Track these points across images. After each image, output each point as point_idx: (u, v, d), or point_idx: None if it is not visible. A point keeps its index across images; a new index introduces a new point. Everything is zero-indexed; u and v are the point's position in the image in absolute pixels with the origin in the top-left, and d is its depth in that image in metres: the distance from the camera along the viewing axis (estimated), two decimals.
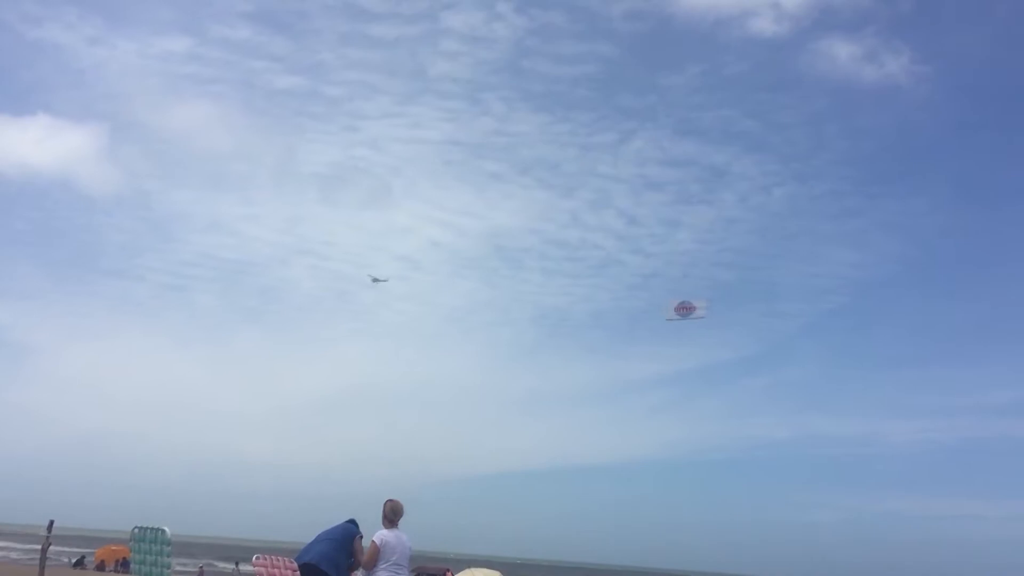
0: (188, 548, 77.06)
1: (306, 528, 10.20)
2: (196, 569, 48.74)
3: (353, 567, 9.85)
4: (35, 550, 28.81)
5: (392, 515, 9.61)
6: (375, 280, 55.02)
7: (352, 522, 10.18)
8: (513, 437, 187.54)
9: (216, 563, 68.49)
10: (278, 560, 11.11)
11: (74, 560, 46.06)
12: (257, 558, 11.05)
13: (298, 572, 10.23)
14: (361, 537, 9.89)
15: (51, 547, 20.69)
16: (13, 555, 52.22)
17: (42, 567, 19.64)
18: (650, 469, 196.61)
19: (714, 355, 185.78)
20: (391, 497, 9.77)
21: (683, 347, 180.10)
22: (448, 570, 37.74)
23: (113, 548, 42.60)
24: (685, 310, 21.20)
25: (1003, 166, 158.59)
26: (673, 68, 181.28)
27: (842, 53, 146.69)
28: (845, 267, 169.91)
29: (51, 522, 20.81)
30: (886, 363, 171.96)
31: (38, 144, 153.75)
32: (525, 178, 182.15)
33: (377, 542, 9.38)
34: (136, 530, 9.16)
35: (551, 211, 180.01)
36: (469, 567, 34.26)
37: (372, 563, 9.41)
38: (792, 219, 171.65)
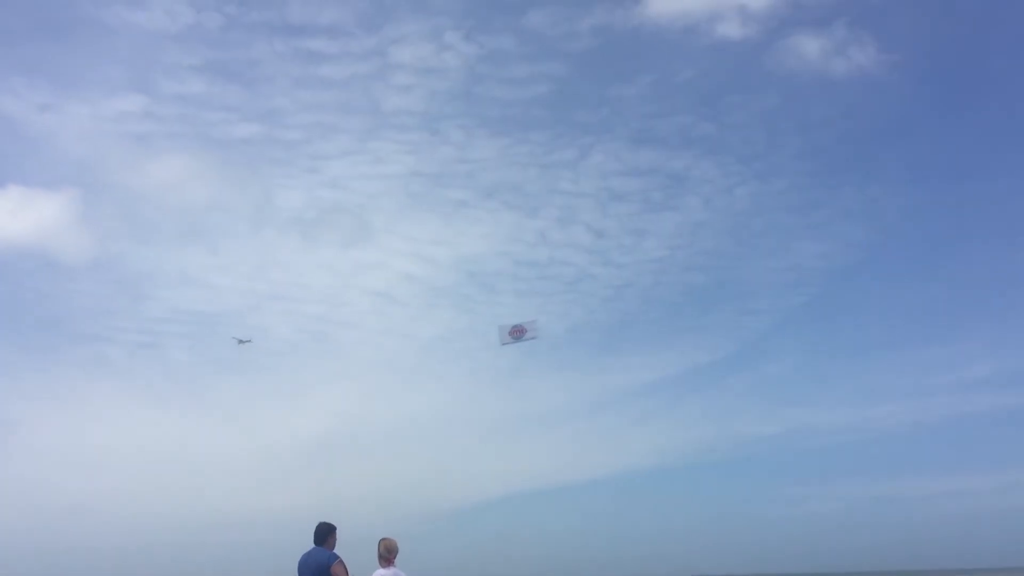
0: None
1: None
2: None
3: None
4: None
5: (387, 553, 9.63)
6: (240, 342, 53.26)
7: (326, 529, 10.09)
8: (503, 461, 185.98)
9: None
10: None
11: None
12: None
13: None
14: (339, 561, 9.79)
15: None
16: None
17: None
18: (641, 478, 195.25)
19: (694, 358, 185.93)
20: (385, 536, 9.78)
21: (663, 354, 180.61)
22: None
23: None
24: (519, 332, 21.86)
25: (960, 144, 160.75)
26: (624, 80, 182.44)
27: (810, 48, 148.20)
28: (812, 259, 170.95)
29: None
30: (862, 349, 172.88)
31: (12, 215, 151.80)
32: (490, 202, 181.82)
33: None
34: None
35: (519, 232, 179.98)
36: None
37: None
38: (757, 217, 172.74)
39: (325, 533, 9.94)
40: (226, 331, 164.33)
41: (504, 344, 21.56)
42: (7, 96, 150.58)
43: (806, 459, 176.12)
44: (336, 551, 10.04)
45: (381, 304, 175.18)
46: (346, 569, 9.57)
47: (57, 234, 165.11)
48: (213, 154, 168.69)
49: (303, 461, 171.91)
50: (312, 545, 9.98)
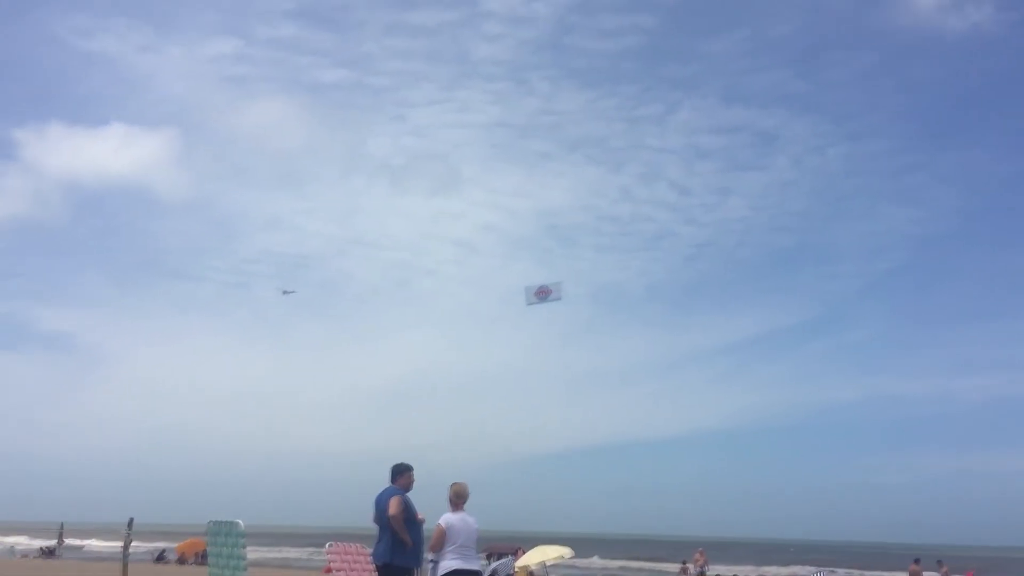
0: (262, 539, 78.74)
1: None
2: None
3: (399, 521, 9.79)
4: (117, 547, 29.75)
5: (456, 499, 9.74)
6: (285, 292, 55.42)
7: (398, 468, 10.19)
8: (575, 415, 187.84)
9: (292, 550, 69.99)
10: (350, 547, 11.33)
11: (156, 555, 47.44)
12: (330, 545, 11.29)
13: (371, 559, 10.44)
14: (397, 497, 9.93)
15: (132, 543, 21.35)
16: (97, 552, 54.04)
17: (125, 563, 20.29)
18: (714, 439, 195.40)
19: (774, 321, 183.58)
20: (456, 480, 9.89)
21: (742, 316, 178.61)
22: (519, 548, 38.06)
23: (193, 541, 43.71)
24: (544, 293, 21.74)
25: None
26: (717, 34, 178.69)
27: (924, 3, 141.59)
28: (904, 224, 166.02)
29: (131, 519, 21.49)
30: (952, 319, 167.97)
31: (115, 152, 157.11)
32: (574, 155, 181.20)
33: (443, 525, 9.53)
34: (211, 524, 9.44)
35: (602, 187, 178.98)
36: (539, 545, 34.49)
37: (439, 546, 9.57)
38: (848, 179, 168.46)
39: (398, 473, 10.16)
40: (312, 274, 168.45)
41: (529, 304, 21.73)
42: (109, 36, 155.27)
43: (884, 429, 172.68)
44: (411, 494, 10.21)
45: (461, 253, 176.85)
46: (402, 504, 9.73)
47: (156, 172, 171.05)
48: (306, 98, 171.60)
49: (382, 404, 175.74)
50: (388, 484, 10.20)
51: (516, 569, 34.39)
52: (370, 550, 10.54)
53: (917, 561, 34.08)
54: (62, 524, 53.46)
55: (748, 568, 59.34)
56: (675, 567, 47.21)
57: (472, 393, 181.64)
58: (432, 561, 9.98)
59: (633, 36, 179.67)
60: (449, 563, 9.46)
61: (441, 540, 9.50)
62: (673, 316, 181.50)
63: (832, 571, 58.03)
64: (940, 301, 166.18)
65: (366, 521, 10.56)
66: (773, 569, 65.05)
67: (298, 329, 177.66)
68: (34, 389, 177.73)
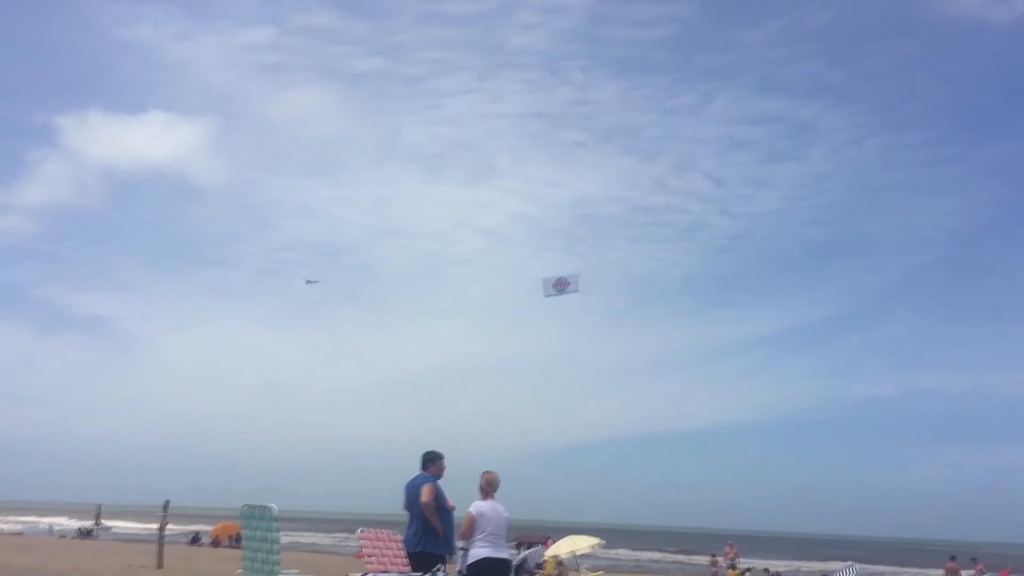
0: (293, 523, 79.54)
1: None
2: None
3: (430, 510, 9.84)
4: (153, 528, 30.19)
5: (488, 487, 9.74)
6: (308, 282, 56.08)
7: (430, 456, 10.23)
8: (606, 405, 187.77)
9: (322, 535, 70.63)
10: (382, 533, 11.38)
11: (191, 537, 48.10)
12: (361, 531, 11.34)
13: (402, 545, 10.48)
14: (429, 484, 9.95)
15: (168, 525, 21.65)
16: (133, 533, 54.86)
17: (161, 544, 20.58)
18: (746, 432, 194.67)
19: (808, 314, 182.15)
20: (487, 469, 9.90)
21: (776, 308, 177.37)
22: (548, 538, 38.12)
23: (227, 524, 44.23)
24: (562, 285, 21.60)
25: None
26: (753, 24, 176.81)
27: None
28: (943, 216, 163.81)
29: (166, 502, 21.80)
30: (991, 313, 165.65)
31: (154, 139, 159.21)
32: (607, 146, 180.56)
33: (473, 512, 9.54)
34: (245, 507, 9.52)
35: (635, 177, 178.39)
36: (569, 535, 34.49)
37: (469, 534, 9.58)
38: (885, 170, 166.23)
39: (429, 460, 10.21)
40: (345, 262, 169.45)
41: (547, 296, 21.68)
42: (146, 24, 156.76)
43: (920, 424, 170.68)
44: (441, 481, 10.24)
45: (493, 243, 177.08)
46: (434, 492, 9.77)
47: (193, 159, 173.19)
48: (341, 87, 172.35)
49: (412, 392, 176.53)
50: (419, 471, 10.21)
51: (545, 558, 34.44)
52: (401, 536, 10.59)
53: (953, 558, 33.69)
54: (99, 506, 54.36)
55: (780, 562, 58.93)
56: (706, 559, 47.05)
57: (503, 382, 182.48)
58: (463, 549, 10.00)
59: (668, 26, 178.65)
60: (479, 551, 9.47)
61: (471, 528, 9.51)
62: (706, 308, 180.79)
63: (866, 568, 57.46)
64: (979, 295, 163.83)
65: (394, 508, 10.61)
66: (806, 564, 64.59)
67: (330, 317, 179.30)
68: (72, 372, 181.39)
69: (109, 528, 52.81)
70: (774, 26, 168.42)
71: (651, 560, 66.48)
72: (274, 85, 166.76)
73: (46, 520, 59.17)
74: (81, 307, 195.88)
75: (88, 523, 50.73)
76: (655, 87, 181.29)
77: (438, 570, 9.62)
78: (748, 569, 38.87)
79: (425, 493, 9.77)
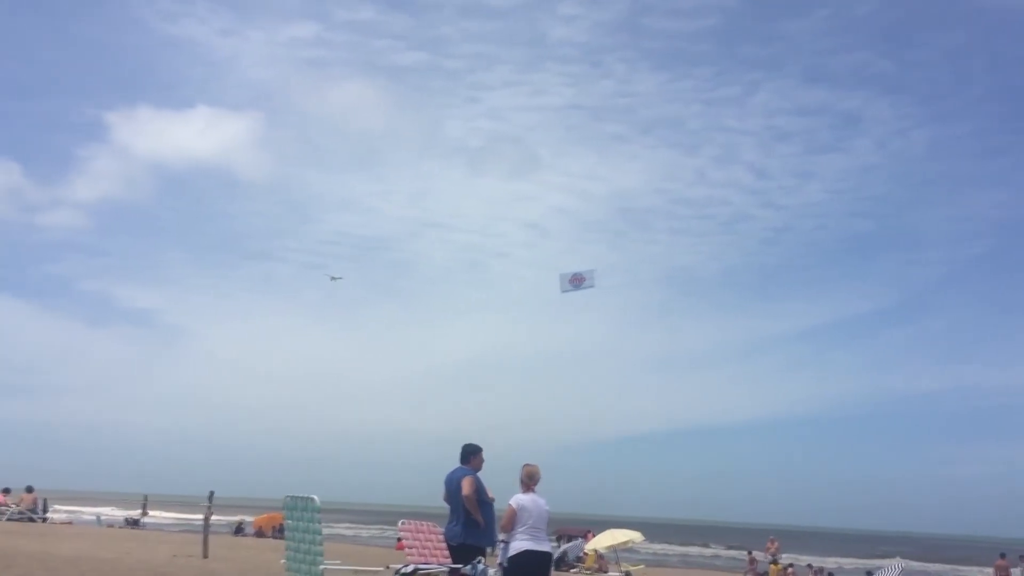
0: (336, 515, 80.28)
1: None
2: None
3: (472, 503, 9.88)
4: (197, 519, 30.64)
5: (528, 480, 9.73)
6: (332, 279, 56.63)
7: (470, 449, 10.26)
8: (645, 399, 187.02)
9: (360, 527, 71.26)
10: (422, 525, 11.44)
11: (234, 527, 48.69)
12: (403, 523, 11.41)
13: (443, 539, 10.53)
14: (470, 477, 9.97)
15: (212, 516, 21.92)
16: (178, 524, 55.74)
17: (206, 534, 20.85)
18: (788, 427, 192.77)
19: (851, 308, 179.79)
20: (527, 462, 9.90)
21: (819, 301, 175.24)
22: (589, 531, 38.07)
23: (271, 516, 44.70)
24: (579, 280, 21.54)
25: None
26: (797, 13, 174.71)
27: None
28: (992, 208, 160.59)
29: (211, 492, 22.05)
30: None
31: (200, 134, 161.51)
32: (648, 138, 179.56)
33: (514, 506, 9.53)
34: (288, 498, 9.62)
35: (676, 169, 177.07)
36: (609, 528, 34.42)
37: (509, 527, 9.58)
38: (933, 162, 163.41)
39: (469, 454, 10.24)
40: (385, 255, 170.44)
41: (564, 291, 21.68)
42: (192, 21, 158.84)
43: (964, 419, 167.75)
44: (480, 474, 10.27)
45: (533, 236, 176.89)
46: (475, 485, 9.80)
47: (239, 154, 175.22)
48: (384, 81, 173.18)
49: (452, 384, 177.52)
50: (458, 464, 10.23)
51: (585, 552, 34.42)
52: (441, 529, 10.64)
53: (1003, 556, 33.13)
54: (146, 496, 55.23)
55: (823, 558, 58.34)
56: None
57: (543, 375, 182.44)
58: (503, 542, 10.00)
59: (710, 16, 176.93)
60: (520, 543, 9.46)
61: (512, 520, 9.51)
62: (748, 301, 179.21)
63: (912, 565, 56.67)
64: None
65: (434, 500, 10.65)
66: (849, 560, 63.87)
67: (370, 310, 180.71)
68: (119, 364, 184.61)
69: (155, 518, 53.68)
70: (819, 15, 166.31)
71: (700, 555, 66.20)
72: (319, 80, 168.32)
73: (94, 510, 60.19)
74: (128, 300, 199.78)
75: (135, 513, 51.51)
76: (697, 79, 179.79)
77: (478, 562, 9.64)
78: (791, 565, 38.50)
79: (466, 486, 9.80)
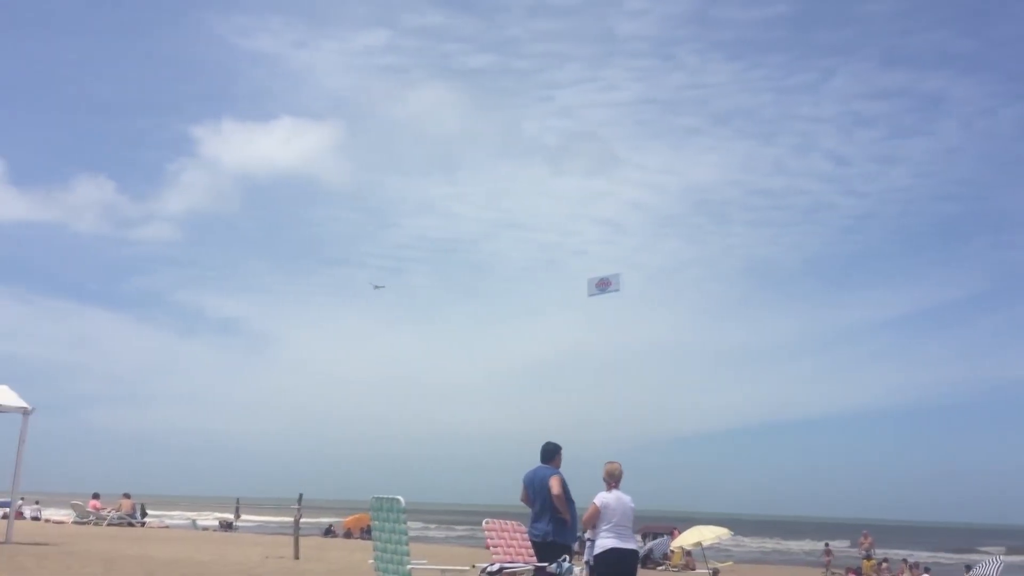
0: (420, 516, 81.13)
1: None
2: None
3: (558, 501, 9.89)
4: (288, 521, 31.34)
5: (609, 478, 9.70)
6: (376, 287, 57.58)
7: (552, 448, 10.27)
8: (728, 393, 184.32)
9: (445, 528, 71.88)
10: (506, 524, 11.48)
11: (324, 529, 49.66)
12: (487, 522, 11.46)
13: (527, 537, 10.56)
14: (557, 476, 9.97)
15: (302, 518, 22.38)
16: (270, 526, 57.05)
17: (296, 536, 21.32)
18: (874, 419, 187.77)
19: (941, 295, 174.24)
20: (610, 460, 9.87)
21: (905, 289, 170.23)
22: (675, 528, 37.71)
23: (359, 517, 45.43)
24: (604, 284, 21.53)
25: None
26: None
27: None
28: None
29: (300, 495, 22.52)
30: None
31: (284, 144, 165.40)
32: (723, 129, 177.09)
33: (598, 503, 9.50)
34: (374, 500, 9.75)
35: (753, 160, 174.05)
36: (695, 525, 34.05)
37: (592, 524, 9.57)
38: (1021, 142, 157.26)
39: (551, 453, 10.29)
40: (463, 257, 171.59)
41: (591, 295, 21.96)
42: (266, 35, 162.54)
43: None
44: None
45: (609, 233, 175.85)
46: (562, 484, 9.80)
47: (320, 162, 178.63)
48: (458, 84, 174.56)
49: (531, 383, 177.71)
50: (539, 463, 10.25)
51: (672, 550, 34.10)
52: (525, 527, 10.66)
53: None
54: (238, 499, 56.68)
55: (918, 553, 56.66)
56: (841, 546, 45.66)
57: (622, 371, 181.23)
58: (588, 539, 9.99)
59: (782, 3, 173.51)
60: (605, 541, 9.43)
61: (595, 518, 9.49)
62: (830, 291, 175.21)
63: (1013, 560, 54.65)
64: None
65: (514, 500, 10.67)
66: (945, 555, 61.98)
67: (449, 312, 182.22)
68: (209, 373, 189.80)
69: (248, 520, 55.04)
70: None
71: (787, 550, 65.03)
72: (394, 86, 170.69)
73: (190, 514, 62.07)
74: (216, 310, 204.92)
75: (228, 516, 52.87)
76: (771, 67, 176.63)
77: (564, 560, 9.64)
78: (885, 559, 37.52)
79: (555, 485, 9.84)
